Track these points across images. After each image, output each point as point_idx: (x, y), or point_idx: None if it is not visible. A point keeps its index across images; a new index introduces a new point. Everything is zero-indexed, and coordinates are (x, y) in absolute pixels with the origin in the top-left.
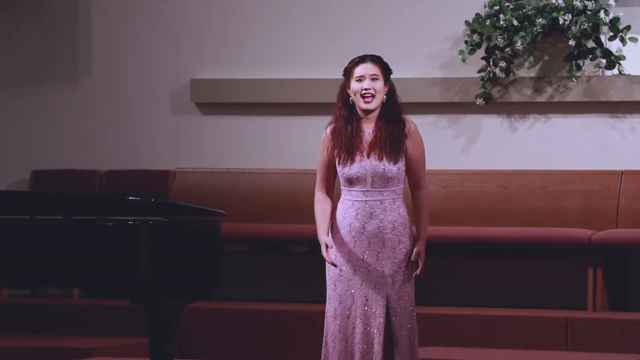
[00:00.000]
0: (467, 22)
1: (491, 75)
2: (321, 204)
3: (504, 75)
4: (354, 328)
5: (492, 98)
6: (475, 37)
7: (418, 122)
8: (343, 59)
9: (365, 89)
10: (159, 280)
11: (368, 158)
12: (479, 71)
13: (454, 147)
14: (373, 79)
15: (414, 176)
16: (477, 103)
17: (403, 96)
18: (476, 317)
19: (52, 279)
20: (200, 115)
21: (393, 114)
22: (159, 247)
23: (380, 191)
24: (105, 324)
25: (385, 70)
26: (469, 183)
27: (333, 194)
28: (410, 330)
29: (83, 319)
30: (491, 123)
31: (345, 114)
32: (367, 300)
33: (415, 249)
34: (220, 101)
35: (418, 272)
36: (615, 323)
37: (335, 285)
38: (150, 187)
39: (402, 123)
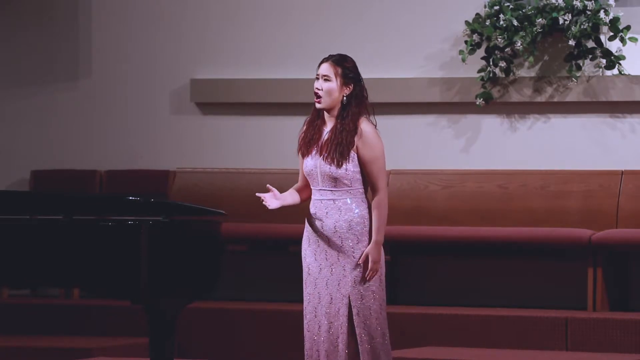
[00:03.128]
0: (467, 22)
1: (491, 75)
2: (298, 186)
3: (504, 75)
4: (319, 327)
5: (492, 98)
6: (475, 37)
7: (418, 122)
8: None
9: (316, 88)
10: (158, 280)
11: (320, 156)
12: (479, 71)
13: (454, 147)
14: (325, 80)
15: (369, 178)
16: (477, 103)
17: (403, 96)
18: (476, 317)
19: (52, 279)
20: (200, 115)
21: (347, 117)
22: (158, 247)
23: (331, 190)
24: (105, 324)
25: (345, 72)
26: (469, 183)
27: (310, 190)
28: (374, 330)
29: (83, 319)
30: (491, 123)
31: (317, 110)
32: (331, 299)
33: (364, 252)
34: (220, 101)
35: (367, 275)
36: (615, 323)
37: (305, 285)
38: (150, 187)
39: (354, 127)
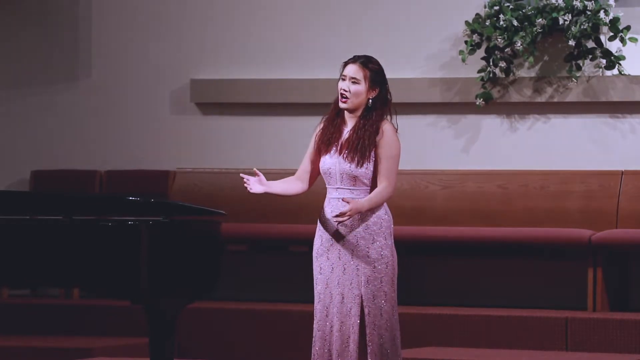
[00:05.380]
0: (467, 22)
1: (491, 75)
2: (290, 179)
3: (504, 76)
4: (331, 326)
5: (492, 98)
6: (475, 37)
7: (418, 122)
8: (343, 59)
9: (343, 90)
10: (158, 280)
11: (339, 155)
12: (479, 71)
13: (454, 147)
14: (352, 82)
15: (381, 173)
16: (477, 103)
17: (403, 96)
18: (476, 317)
19: (52, 279)
20: (200, 115)
21: (371, 119)
22: (158, 247)
23: (350, 189)
24: (105, 324)
25: (373, 75)
26: (469, 183)
27: (307, 185)
28: (384, 329)
29: (83, 319)
30: (491, 123)
31: (337, 108)
32: (343, 298)
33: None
34: (220, 101)
35: (340, 215)
36: (615, 323)
37: (316, 284)
38: (150, 187)
39: (377, 129)
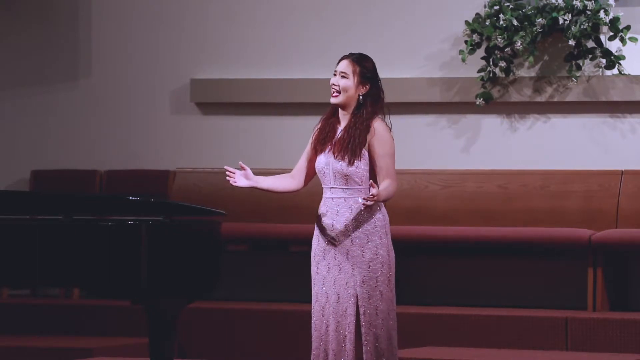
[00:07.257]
0: (467, 22)
1: (491, 75)
2: (284, 175)
3: (504, 75)
4: (327, 326)
5: (492, 98)
6: (475, 37)
7: (418, 122)
8: None
9: (333, 84)
10: (158, 280)
11: (333, 154)
12: (479, 71)
13: (454, 147)
14: (342, 76)
15: (380, 172)
16: (477, 103)
17: (403, 96)
18: (476, 317)
19: (52, 279)
20: (200, 115)
21: (361, 116)
22: (158, 247)
23: (343, 189)
24: (105, 324)
25: (363, 71)
26: (469, 183)
27: (301, 183)
28: (380, 329)
29: (83, 319)
30: (491, 123)
31: (333, 108)
32: (339, 298)
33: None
34: (220, 101)
35: (367, 196)
36: (615, 323)
37: (313, 284)
38: (150, 187)
39: (367, 127)
